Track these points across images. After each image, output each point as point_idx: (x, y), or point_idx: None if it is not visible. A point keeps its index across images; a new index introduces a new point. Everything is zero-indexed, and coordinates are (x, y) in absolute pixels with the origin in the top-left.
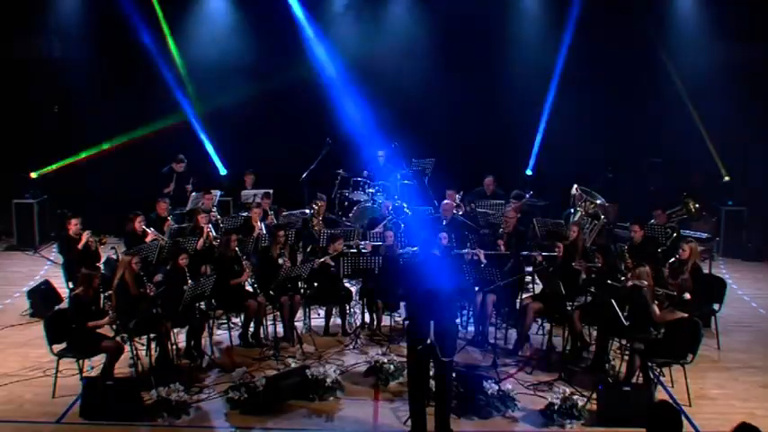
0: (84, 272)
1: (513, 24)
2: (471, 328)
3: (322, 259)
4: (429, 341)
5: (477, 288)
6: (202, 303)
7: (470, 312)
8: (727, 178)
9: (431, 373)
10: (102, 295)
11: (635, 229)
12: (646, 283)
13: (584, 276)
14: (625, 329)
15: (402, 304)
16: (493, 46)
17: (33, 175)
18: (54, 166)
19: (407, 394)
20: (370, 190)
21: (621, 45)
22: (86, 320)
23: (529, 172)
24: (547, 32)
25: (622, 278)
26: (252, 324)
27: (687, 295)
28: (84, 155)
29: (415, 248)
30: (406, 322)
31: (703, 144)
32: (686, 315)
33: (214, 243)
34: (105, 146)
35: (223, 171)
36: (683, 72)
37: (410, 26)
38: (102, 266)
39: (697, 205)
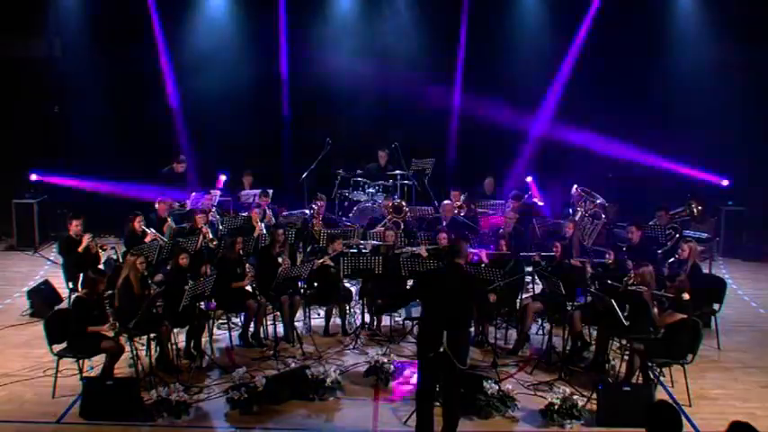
0: (89, 275)
1: (515, 24)
2: (471, 328)
3: (321, 260)
4: (442, 350)
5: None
6: (202, 303)
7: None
8: (725, 183)
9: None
10: (105, 298)
11: (632, 231)
12: (645, 288)
13: (590, 271)
14: (625, 329)
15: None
16: (495, 45)
17: (33, 177)
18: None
19: (414, 398)
20: (371, 190)
21: (621, 45)
22: (87, 324)
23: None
24: (547, 33)
25: (624, 278)
26: (252, 324)
27: (686, 295)
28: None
29: (416, 250)
30: (407, 322)
31: (703, 145)
32: (685, 316)
33: (210, 244)
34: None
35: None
36: (684, 73)
37: (411, 25)
38: (102, 267)
39: (700, 207)
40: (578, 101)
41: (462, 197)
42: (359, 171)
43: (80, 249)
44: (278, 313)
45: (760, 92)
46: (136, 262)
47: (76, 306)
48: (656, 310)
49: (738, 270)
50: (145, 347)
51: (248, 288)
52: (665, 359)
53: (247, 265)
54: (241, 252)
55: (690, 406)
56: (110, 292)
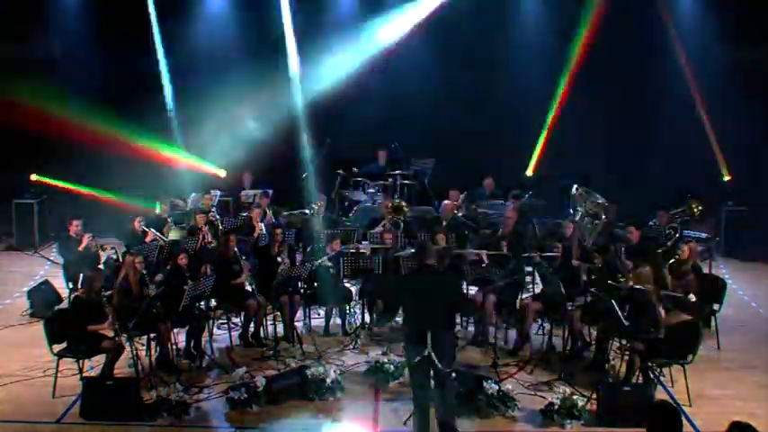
0: (86, 274)
1: (515, 24)
2: (471, 328)
3: (320, 261)
4: (426, 352)
5: (477, 288)
6: (202, 303)
7: None
8: (727, 178)
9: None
10: (103, 297)
11: (631, 231)
12: (650, 286)
13: (584, 278)
14: (625, 329)
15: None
16: (494, 45)
17: (33, 177)
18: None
19: (412, 403)
20: (371, 190)
21: (624, 45)
22: (86, 323)
23: (529, 173)
24: (549, 33)
25: (622, 279)
26: (252, 324)
27: (692, 296)
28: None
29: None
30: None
31: (704, 144)
32: (690, 317)
33: (209, 245)
34: None
35: (222, 173)
36: (687, 73)
37: (412, 24)
38: (102, 267)
39: (700, 207)
40: (578, 100)
41: (461, 197)
42: (355, 170)
43: (80, 249)
44: (278, 313)
45: (760, 91)
46: (134, 262)
47: (75, 305)
48: (662, 310)
49: (738, 270)
50: (145, 347)
51: (248, 287)
52: (665, 359)
53: (243, 262)
54: (236, 249)
55: (690, 406)
56: (109, 292)
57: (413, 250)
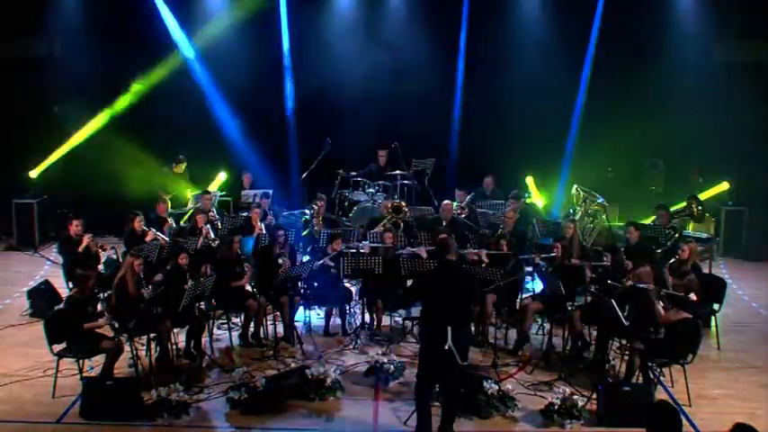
0: (78, 273)
1: (516, 24)
2: (471, 328)
3: (321, 261)
4: (447, 347)
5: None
6: (202, 303)
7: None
8: (726, 185)
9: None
10: (99, 296)
11: (630, 231)
12: (651, 286)
13: (589, 274)
14: (625, 329)
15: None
16: (494, 46)
17: (33, 174)
18: (50, 160)
19: (414, 398)
20: (371, 190)
21: (623, 45)
22: (82, 321)
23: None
24: (548, 32)
25: (623, 279)
26: (252, 324)
27: (693, 296)
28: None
29: (418, 250)
30: (407, 322)
31: (704, 144)
32: (690, 315)
33: (212, 244)
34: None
35: (223, 176)
36: (685, 72)
37: (412, 26)
38: (102, 267)
39: (700, 207)
40: (578, 100)
41: (468, 198)
42: (353, 173)
43: (80, 249)
44: (278, 313)
45: (760, 91)
46: (134, 263)
47: (70, 305)
48: (661, 309)
49: (738, 270)
50: (145, 347)
51: (248, 288)
52: (665, 359)
53: (245, 264)
54: (239, 251)
55: (690, 406)
56: (108, 292)
57: (414, 249)
